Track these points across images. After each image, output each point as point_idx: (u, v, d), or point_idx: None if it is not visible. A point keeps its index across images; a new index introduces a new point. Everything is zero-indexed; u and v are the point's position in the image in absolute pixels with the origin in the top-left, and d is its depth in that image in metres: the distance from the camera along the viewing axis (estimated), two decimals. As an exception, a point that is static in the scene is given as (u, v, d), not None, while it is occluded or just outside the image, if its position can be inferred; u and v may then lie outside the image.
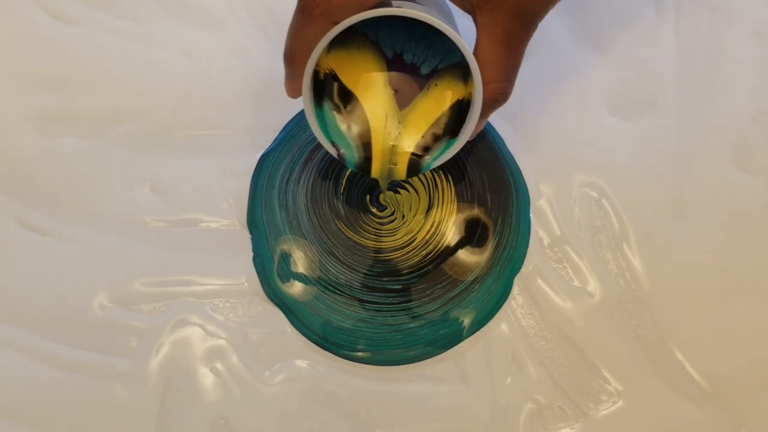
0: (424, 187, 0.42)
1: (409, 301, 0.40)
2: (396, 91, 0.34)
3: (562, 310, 0.39)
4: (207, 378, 0.38)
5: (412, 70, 0.34)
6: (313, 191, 0.42)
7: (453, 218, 0.41)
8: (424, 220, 0.41)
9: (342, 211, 0.42)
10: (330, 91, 0.33)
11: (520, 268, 0.40)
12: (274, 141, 0.43)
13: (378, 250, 0.41)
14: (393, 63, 0.34)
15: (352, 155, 0.34)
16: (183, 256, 0.40)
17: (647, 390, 0.38)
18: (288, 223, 0.41)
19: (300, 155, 0.42)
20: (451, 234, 0.41)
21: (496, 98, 0.32)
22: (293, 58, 0.31)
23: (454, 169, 0.42)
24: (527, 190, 0.42)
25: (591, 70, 0.44)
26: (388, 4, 0.30)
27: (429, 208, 0.41)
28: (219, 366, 0.38)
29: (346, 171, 0.42)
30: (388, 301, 0.40)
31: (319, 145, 0.39)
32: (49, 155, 0.42)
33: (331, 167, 0.42)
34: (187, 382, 0.38)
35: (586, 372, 0.38)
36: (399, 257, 0.41)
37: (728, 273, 0.40)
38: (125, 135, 0.42)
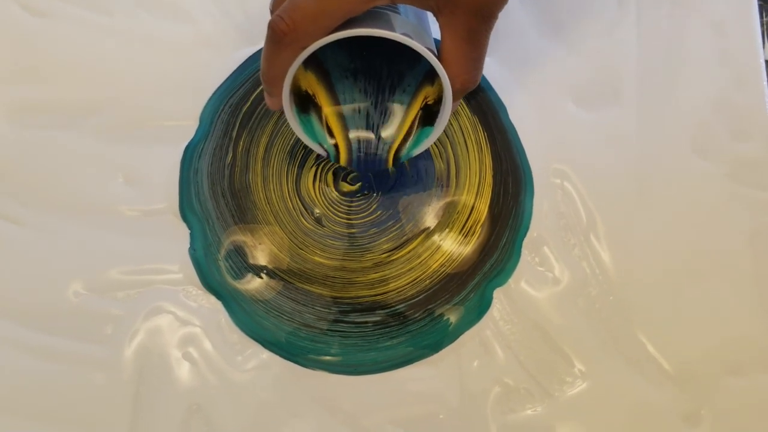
0: (468, 152, 0.40)
1: (388, 327, 0.39)
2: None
3: (528, 295, 0.40)
4: (181, 364, 0.38)
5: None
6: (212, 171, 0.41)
7: (485, 208, 0.39)
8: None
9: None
10: (312, 102, 0.36)
11: (508, 279, 0.40)
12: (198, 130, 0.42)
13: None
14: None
15: (333, 152, 0.37)
16: (157, 245, 0.40)
17: (611, 371, 0.39)
18: (205, 218, 0.40)
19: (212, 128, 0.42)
20: (471, 237, 0.40)
21: (465, 87, 0.34)
22: (268, 80, 0.33)
23: (491, 128, 0.40)
24: (532, 175, 0.41)
25: (555, 62, 0.44)
26: (356, 26, 0.31)
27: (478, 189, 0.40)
28: (192, 352, 0.39)
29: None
30: (358, 330, 0.39)
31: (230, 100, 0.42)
32: (22, 146, 0.42)
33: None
34: (161, 368, 0.38)
35: (552, 355, 0.39)
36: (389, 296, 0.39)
37: (689, 257, 0.41)
38: (98, 126, 0.42)
